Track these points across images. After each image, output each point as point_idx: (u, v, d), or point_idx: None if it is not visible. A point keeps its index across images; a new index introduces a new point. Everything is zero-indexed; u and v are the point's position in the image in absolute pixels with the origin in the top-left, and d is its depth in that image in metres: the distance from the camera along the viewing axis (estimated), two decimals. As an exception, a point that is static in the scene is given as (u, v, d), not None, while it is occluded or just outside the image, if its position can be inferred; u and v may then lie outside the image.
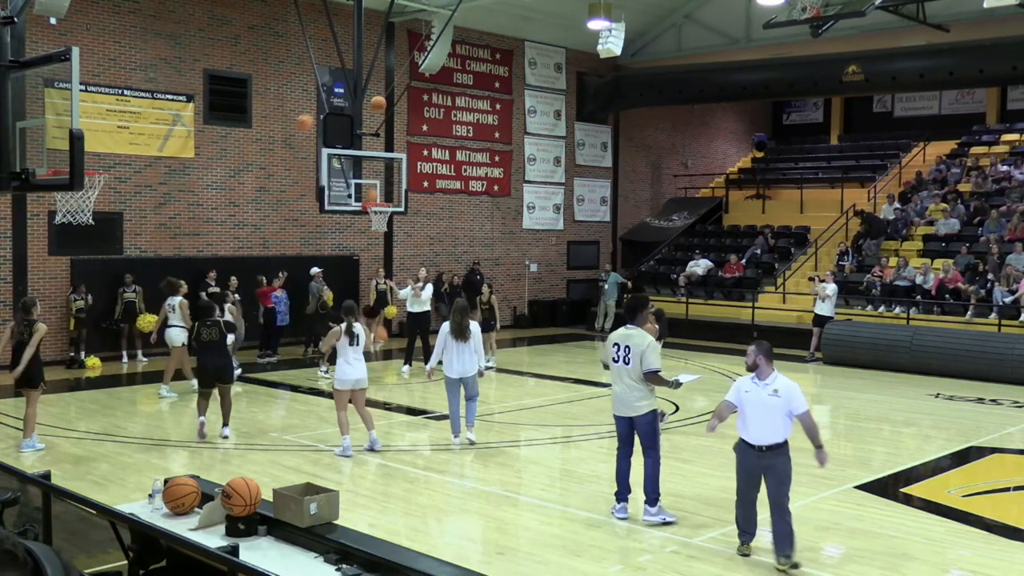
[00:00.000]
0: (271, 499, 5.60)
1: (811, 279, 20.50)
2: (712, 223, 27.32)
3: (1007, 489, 9.81)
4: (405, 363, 16.72)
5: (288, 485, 6.18)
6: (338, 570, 4.88)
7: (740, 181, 28.92)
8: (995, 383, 15.85)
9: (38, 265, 17.02)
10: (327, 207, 16.17)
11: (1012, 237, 20.30)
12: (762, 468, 7.03)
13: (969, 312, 18.71)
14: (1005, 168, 23.93)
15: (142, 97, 18.15)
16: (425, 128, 22.86)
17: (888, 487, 9.52)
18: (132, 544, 4.83)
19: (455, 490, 9.51)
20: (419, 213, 22.54)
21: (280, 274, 17.95)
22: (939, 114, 29.19)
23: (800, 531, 7.16)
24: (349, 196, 16.04)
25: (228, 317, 13.50)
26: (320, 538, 5.21)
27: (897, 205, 23.86)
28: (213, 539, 5.08)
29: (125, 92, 17.92)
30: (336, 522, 5.51)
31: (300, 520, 5.31)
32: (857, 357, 17.76)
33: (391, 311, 19.15)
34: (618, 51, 19.91)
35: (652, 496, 8.09)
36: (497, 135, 24.41)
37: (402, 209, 17.27)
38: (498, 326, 18.20)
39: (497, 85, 24.32)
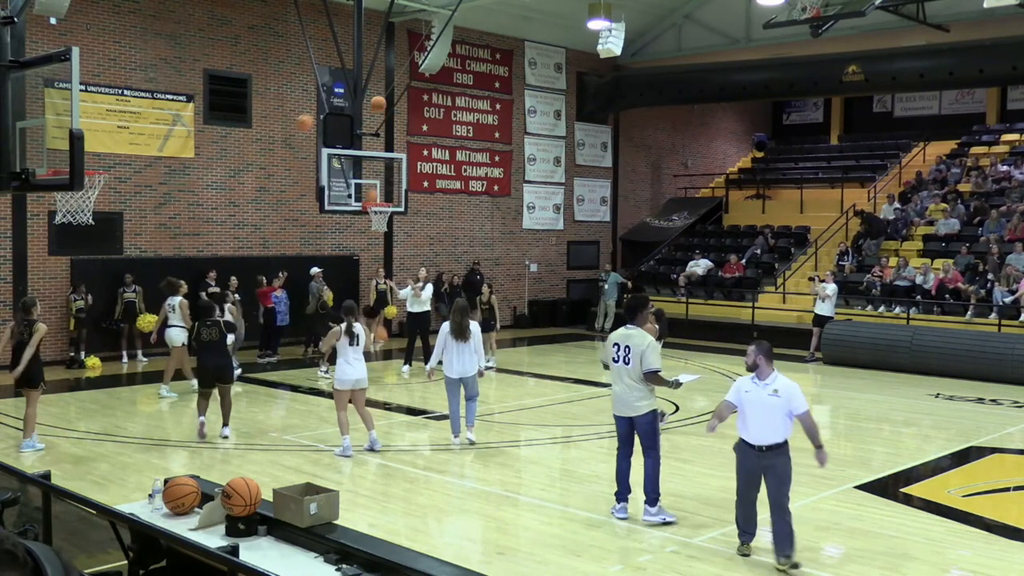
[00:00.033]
0: (271, 499, 5.60)
1: (811, 279, 20.49)
2: (712, 223, 27.32)
3: (1007, 489, 9.81)
4: (405, 363, 16.72)
5: (288, 485, 6.18)
6: (338, 570, 4.88)
7: (740, 181, 28.92)
8: (995, 383, 15.85)
9: (38, 265, 17.02)
10: (327, 207, 16.18)
11: (1012, 237, 20.30)
12: (762, 468, 7.03)
13: (969, 312, 18.71)
14: (1005, 168, 23.93)
15: (142, 97, 18.15)
16: (425, 128, 22.86)
17: (888, 487, 9.52)
18: (132, 544, 4.83)
19: (455, 490, 9.51)
20: (419, 213, 22.54)
21: (280, 274, 17.95)
22: (939, 114, 29.19)
23: (800, 531, 7.16)
24: (349, 196, 16.04)
25: (228, 317, 13.50)
26: (320, 538, 5.20)
27: (897, 205, 23.86)
28: (213, 539, 5.08)
29: (125, 92, 17.92)
30: (336, 522, 5.51)
31: (300, 520, 5.31)
32: (857, 357, 17.76)
33: (391, 311, 19.15)
34: (618, 51, 19.91)
35: (652, 496, 8.09)
36: (497, 135, 24.41)
37: (402, 209, 17.27)
38: (498, 326, 18.19)
39: (497, 85, 24.32)
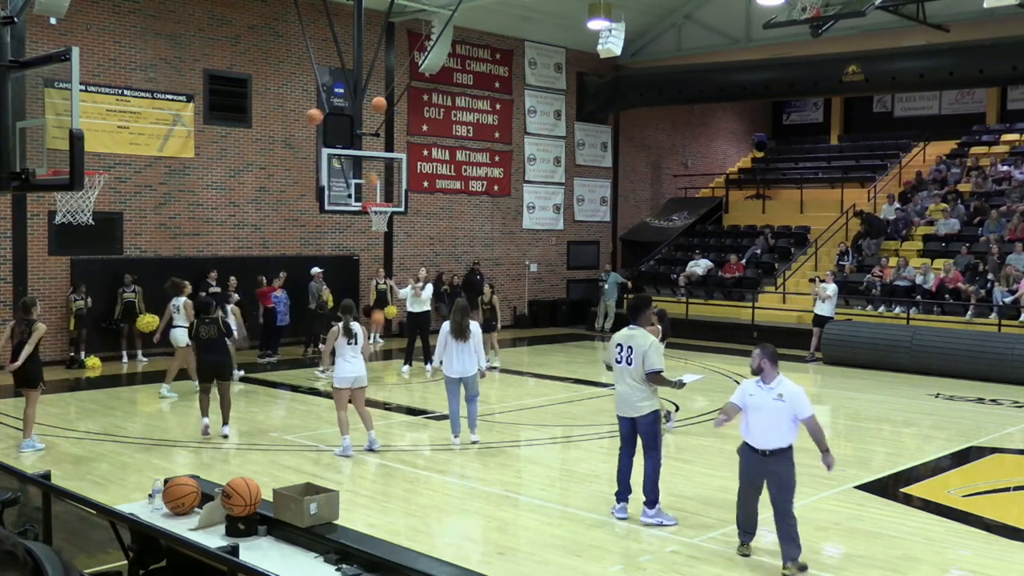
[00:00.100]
0: (271, 499, 5.60)
1: (811, 280, 20.49)
2: (712, 223, 27.31)
3: (1007, 489, 9.81)
4: (405, 363, 16.73)
5: (288, 485, 6.18)
6: (338, 570, 4.88)
7: (740, 181, 28.92)
8: (995, 383, 15.85)
9: (38, 265, 17.02)
10: (327, 207, 16.17)
11: (1012, 237, 20.31)
12: (765, 473, 6.99)
13: (969, 312, 18.70)
14: (1005, 168, 23.92)
15: (142, 97, 18.15)
16: (425, 128, 22.86)
17: (888, 487, 9.52)
18: (132, 544, 4.83)
19: (455, 490, 9.50)
20: (419, 213, 22.54)
21: (280, 274, 17.95)
22: (939, 114, 29.19)
23: (800, 531, 7.13)
24: (349, 196, 16.03)
25: (230, 318, 13.50)
26: (320, 538, 5.20)
27: (897, 205, 23.86)
28: (213, 539, 5.08)
29: (125, 92, 17.92)
30: (336, 522, 5.51)
31: (300, 520, 5.31)
32: (857, 357, 17.76)
33: (391, 311, 19.15)
34: (618, 51, 19.91)
35: (651, 497, 8.07)
36: (497, 135, 24.41)
37: (402, 209, 17.27)
38: (499, 326, 18.20)
39: (497, 85, 24.32)
